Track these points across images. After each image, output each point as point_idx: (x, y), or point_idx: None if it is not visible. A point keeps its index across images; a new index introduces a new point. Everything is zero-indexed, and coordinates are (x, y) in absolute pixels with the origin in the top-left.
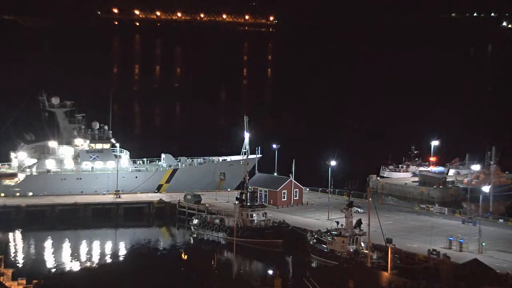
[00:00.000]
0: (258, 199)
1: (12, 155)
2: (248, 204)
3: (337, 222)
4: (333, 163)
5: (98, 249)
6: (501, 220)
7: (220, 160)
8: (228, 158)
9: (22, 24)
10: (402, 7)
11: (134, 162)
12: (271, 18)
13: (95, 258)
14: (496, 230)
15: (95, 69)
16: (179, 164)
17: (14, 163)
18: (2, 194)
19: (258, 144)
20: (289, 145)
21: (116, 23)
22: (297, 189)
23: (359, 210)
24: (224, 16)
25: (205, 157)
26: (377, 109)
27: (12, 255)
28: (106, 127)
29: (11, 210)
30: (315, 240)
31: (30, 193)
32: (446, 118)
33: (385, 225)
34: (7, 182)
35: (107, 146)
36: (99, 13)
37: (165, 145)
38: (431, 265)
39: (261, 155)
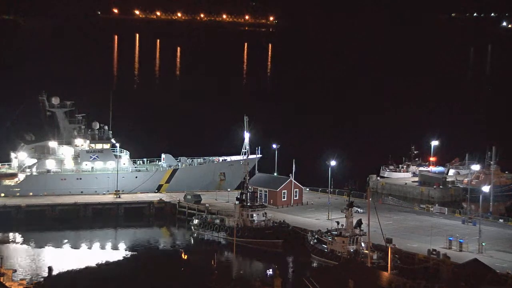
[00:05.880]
0: (258, 199)
1: (12, 155)
2: (248, 204)
3: (338, 222)
4: (333, 163)
5: (98, 249)
6: (501, 220)
7: (220, 160)
8: (228, 158)
9: (22, 24)
10: (402, 6)
11: (134, 162)
12: (271, 18)
13: (95, 258)
14: (496, 230)
15: (95, 69)
16: (179, 164)
17: (14, 163)
18: (2, 194)
19: (258, 144)
20: (289, 145)
21: (116, 23)
22: (297, 189)
23: (359, 210)
24: (224, 16)
25: (205, 157)
26: (377, 109)
27: (12, 255)
28: (106, 127)
29: (11, 210)
30: (315, 240)
31: (30, 193)
32: (446, 118)
33: (385, 225)
34: (7, 182)
35: (107, 146)
36: (99, 13)
37: (165, 145)
38: (431, 265)
39: (261, 155)
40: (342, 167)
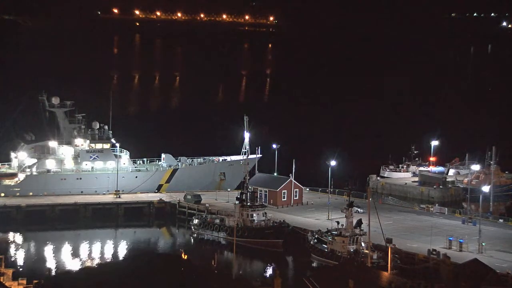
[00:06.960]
0: (258, 199)
1: (12, 155)
2: (248, 204)
3: (338, 222)
4: (333, 163)
5: (98, 249)
6: (501, 220)
7: (220, 160)
8: (228, 158)
9: (22, 24)
10: (402, 6)
11: (134, 162)
12: (271, 18)
13: (95, 258)
14: (496, 230)
15: (95, 69)
16: (179, 164)
17: (14, 163)
18: (2, 194)
19: (258, 144)
20: (289, 145)
21: (116, 23)
22: (297, 189)
23: (359, 210)
24: (224, 16)
25: (205, 157)
26: (377, 109)
27: (12, 255)
28: (106, 127)
29: (11, 210)
30: (315, 240)
31: (30, 193)
32: (446, 118)
33: (385, 225)
34: (7, 182)
35: (107, 146)
36: (99, 13)
37: (165, 145)
38: (431, 265)
39: (261, 155)
40: (342, 167)
